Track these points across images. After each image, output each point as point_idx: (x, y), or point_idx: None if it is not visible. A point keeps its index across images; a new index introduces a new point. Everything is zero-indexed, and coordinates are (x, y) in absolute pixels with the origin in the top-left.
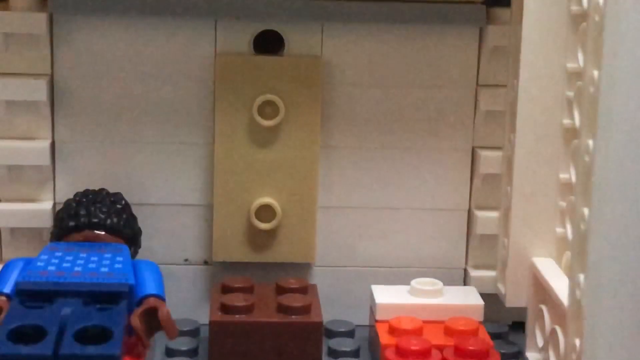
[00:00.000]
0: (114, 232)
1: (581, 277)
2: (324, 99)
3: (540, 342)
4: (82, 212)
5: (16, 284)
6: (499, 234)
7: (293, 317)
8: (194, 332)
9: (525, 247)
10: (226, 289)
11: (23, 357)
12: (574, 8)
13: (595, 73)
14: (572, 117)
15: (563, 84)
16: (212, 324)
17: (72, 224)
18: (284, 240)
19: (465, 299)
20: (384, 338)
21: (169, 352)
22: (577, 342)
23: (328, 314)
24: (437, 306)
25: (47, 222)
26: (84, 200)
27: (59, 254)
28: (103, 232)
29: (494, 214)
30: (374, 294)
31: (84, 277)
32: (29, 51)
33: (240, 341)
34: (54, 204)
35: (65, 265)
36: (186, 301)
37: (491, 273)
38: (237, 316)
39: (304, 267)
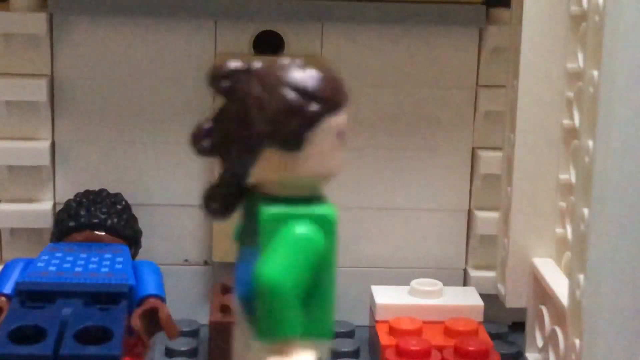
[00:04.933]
0: (114, 233)
1: (581, 277)
2: None
3: (540, 343)
4: (83, 212)
5: (16, 284)
6: (499, 234)
7: None
8: (194, 333)
9: (525, 248)
10: (226, 290)
11: (23, 357)
12: (574, 8)
13: (595, 73)
14: (572, 118)
15: (563, 84)
16: (212, 324)
17: (72, 224)
18: None
19: (465, 300)
20: (384, 339)
21: (169, 352)
22: (577, 342)
23: None
24: (437, 307)
25: (47, 223)
26: (84, 200)
27: (59, 254)
28: (103, 233)
29: (494, 215)
30: (374, 295)
31: (84, 278)
32: (29, 51)
33: None
34: (54, 205)
35: (65, 265)
36: (186, 301)
37: (491, 273)
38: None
39: None
